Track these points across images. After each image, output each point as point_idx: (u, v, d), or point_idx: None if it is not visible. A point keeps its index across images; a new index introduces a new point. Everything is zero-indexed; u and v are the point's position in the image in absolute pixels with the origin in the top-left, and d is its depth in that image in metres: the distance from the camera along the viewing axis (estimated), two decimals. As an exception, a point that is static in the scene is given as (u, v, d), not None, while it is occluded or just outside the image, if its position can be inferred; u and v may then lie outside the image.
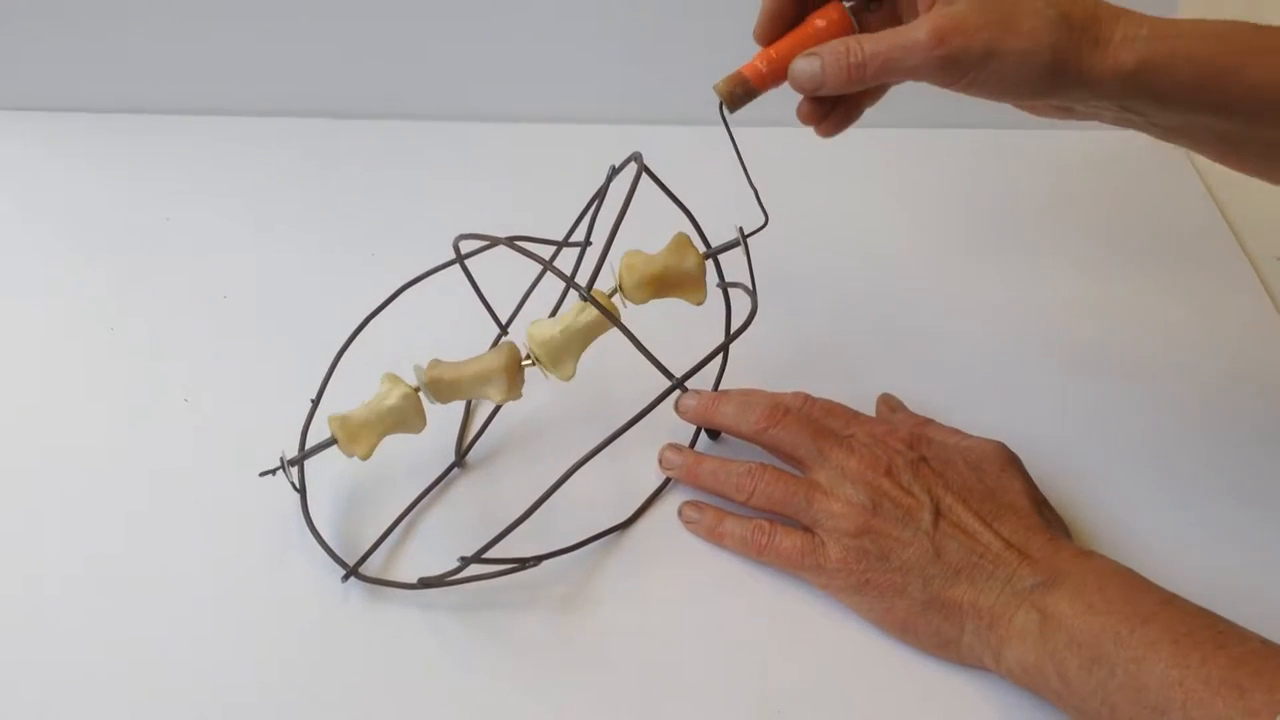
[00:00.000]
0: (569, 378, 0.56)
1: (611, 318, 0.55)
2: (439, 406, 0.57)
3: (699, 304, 0.59)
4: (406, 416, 0.56)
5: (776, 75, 0.57)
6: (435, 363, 0.56)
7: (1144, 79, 0.51)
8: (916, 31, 0.51)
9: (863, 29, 0.57)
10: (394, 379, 0.56)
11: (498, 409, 0.64)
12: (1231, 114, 0.52)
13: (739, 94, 0.57)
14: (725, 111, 0.58)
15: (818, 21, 0.57)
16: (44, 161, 0.82)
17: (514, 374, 0.56)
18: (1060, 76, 0.51)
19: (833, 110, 0.58)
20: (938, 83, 0.53)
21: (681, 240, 0.58)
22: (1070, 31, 0.51)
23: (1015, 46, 0.51)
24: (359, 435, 0.55)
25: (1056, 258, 0.75)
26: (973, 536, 0.52)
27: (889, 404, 0.63)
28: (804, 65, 0.55)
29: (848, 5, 0.58)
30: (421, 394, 0.56)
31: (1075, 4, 0.52)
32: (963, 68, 0.51)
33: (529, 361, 0.56)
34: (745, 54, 0.85)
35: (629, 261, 0.58)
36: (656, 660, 0.53)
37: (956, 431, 0.59)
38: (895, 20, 0.57)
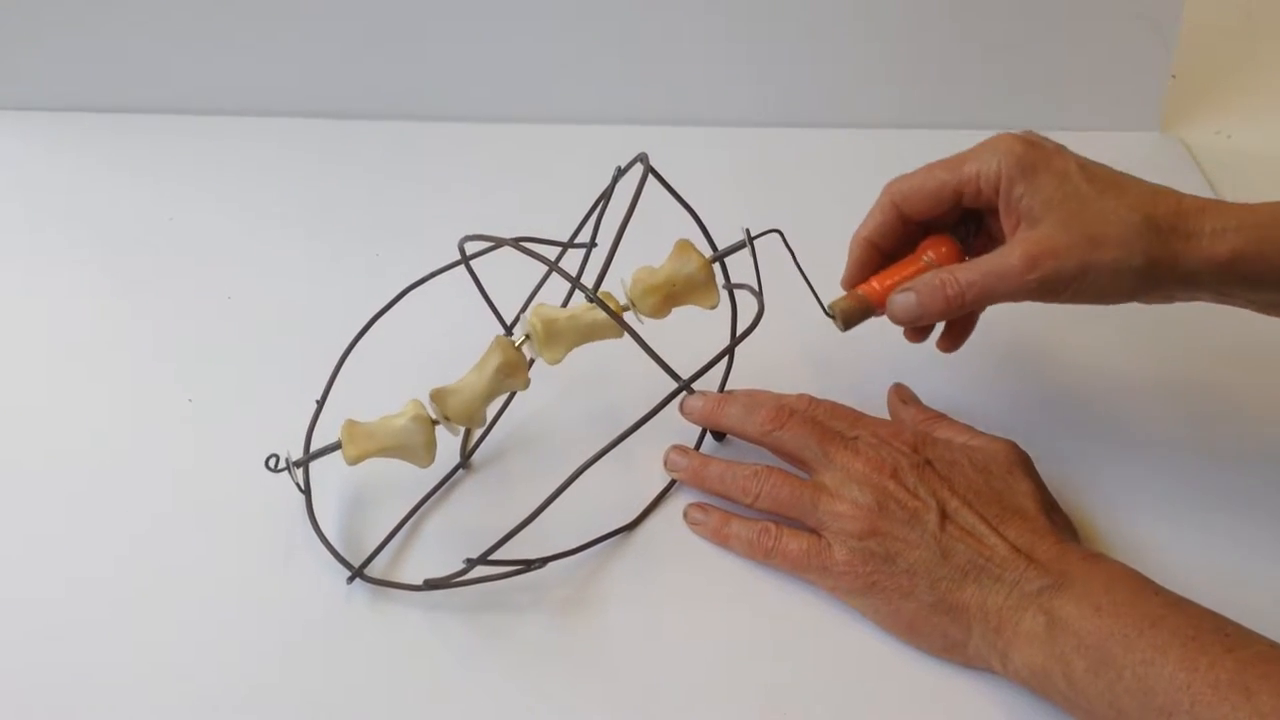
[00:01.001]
0: (555, 362, 0.56)
1: (618, 319, 0.55)
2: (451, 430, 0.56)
3: (712, 307, 0.59)
4: (412, 444, 0.55)
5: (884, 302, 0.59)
6: (439, 392, 0.56)
7: (1239, 269, 0.53)
8: (1009, 259, 0.54)
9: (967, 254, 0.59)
10: (417, 403, 0.56)
11: (502, 410, 0.64)
12: None
13: (856, 314, 0.60)
14: (838, 326, 0.60)
15: (928, 253, 0.59)
16: (47, 161, 0.82)
17: (508, 350, 0.56)
18: (1154, 277, 0.53)
19: (948, 329, 0.62)
20: (1034, 300, 0.55)
21: (682, 245, 0.58)
22: (1158, 234, 0.53)
23: (1107, 259, 0.53)
24: (357, 440, 0.55)
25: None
26: (979, 539, 0.52)
27: (900, 395, 0.63)
28: (900, 300, 0.57)
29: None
30: (443, 426, 0.55)
31: (1157, 204, 0.54)
32: (1058, 287, 0.54)
33: (524, 340, 0.56)
34: (752, 53, 0.85)
35: (635, 276, 0.58)
36: (662, 662, 0.53)
37: (967, 429, 0.59)
38: (991, 240, 0.59)
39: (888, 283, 0.59)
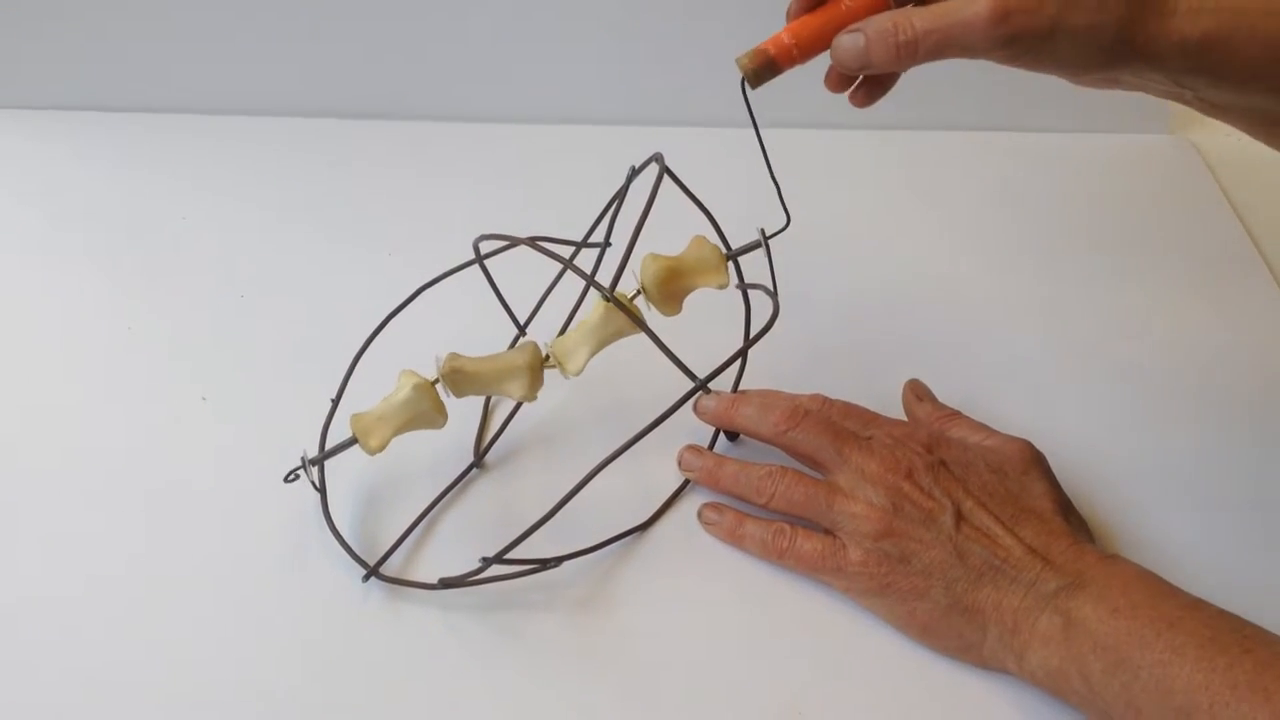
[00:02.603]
0: (577, 372, 0.56)
1: (634, 317, 0.55)
2: (459, 406, 0.56)
3: (721, 287, 0.58)
4: (423, 411, 0.55)
5: (805, 51, 0.54)
6: (455, 355, 0.56)
7: (1207, 54, 0.49)
8: (975, 5, 0.48)
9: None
10: (409, 374, 0.56)
11: (516, 410, 0.64)
12: None
13: (763, 69, 0.54)
14: (746, 88, 0.55)
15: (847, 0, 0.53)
16: (61, 161, 0.82)
17: (536, 372, 0.56)
18: (1122, 51, 0.49)
19: (864, 80, 0.56)
20: (994, 59, 0.50)
21: (698, 238, 0.58)
22: (1136, 2, 0.48)
23: (1081, 22, 0.48)
24: (373, 429, 0.55)
25: (1075, 261, 0.75)
26: (994, 540, 0.52)
27: (916, 391, 0.62)
28: (848, 42, 0.52)
29: None
30: (440, 386, 0.56)
31: None
32: (1023, 46, 0.49)
33: (548, 362, 0.57)
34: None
35: (646, 258, 0.58)
36: (676, 661, 0.53)
37: (983, 428, 0.58)
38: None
39: (801, 32, 0.54)
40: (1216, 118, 0.54)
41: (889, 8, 0.53)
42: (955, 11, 0.49)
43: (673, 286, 0.58)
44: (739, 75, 0.55)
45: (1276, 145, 0.56)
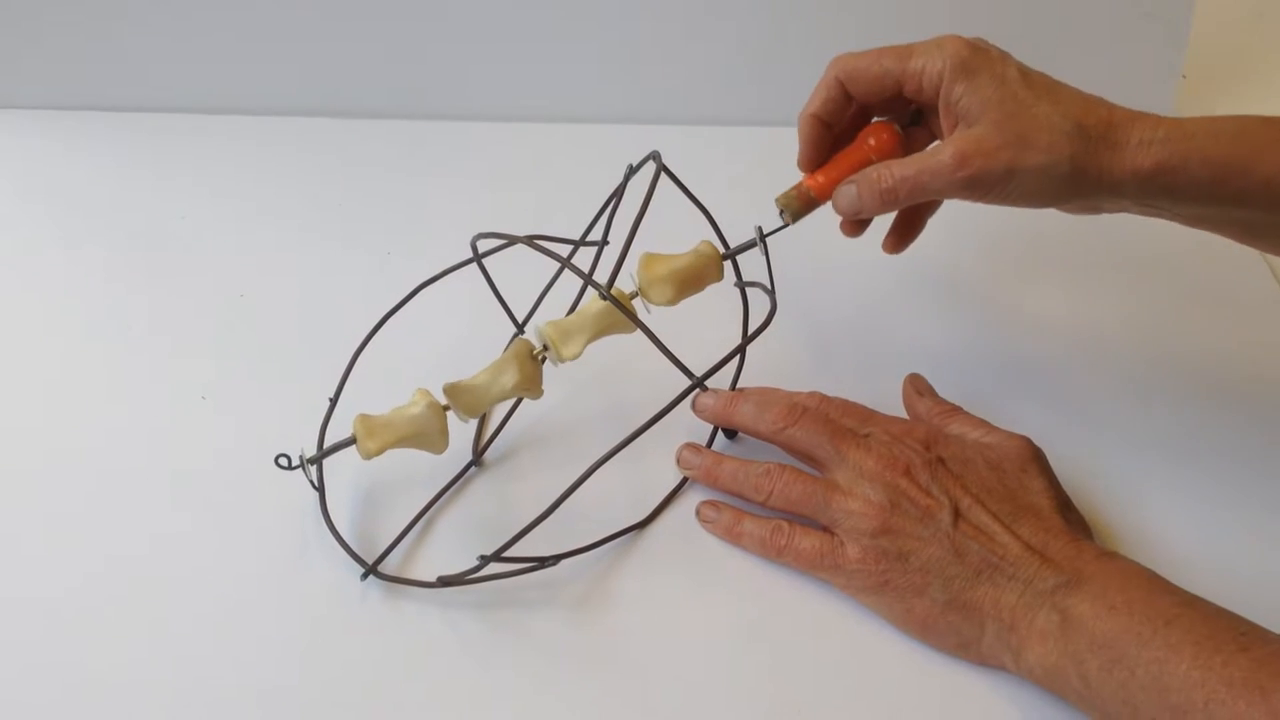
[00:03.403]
0: (574, 356, 0.56)
1: (631, 315, 0.55)
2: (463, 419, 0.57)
3: (718, 279, 0.59)
4: (428, 431, 0.55)
5: (834, 185, 0.59)
6: (453, 386, 0.56)
7: (1161, 180, 0.54)
8: (941, 155, 0.54)
9: (908, 142, 0.60)
10: (425, 392, 0.56)
11: (514, 409, 0.64)
12: (1249, 205, 0.54)
13: (801, 207, 0.60)
14: (785, 219, 0.60)
15: (869, 140, 0.60)
16: (60, 160, 0.82)
17: (525, 363, 0.56)
18: (1080, 184, 0.54)
19: (894, 228, 0.63)
20: (964, 199, 0.56)
21: (701, 245, 0.59)
22: (1086, 141, 0.54)
23: (1035, 163, 0.53)
24: (375, 433, 0.55)
25: (1076, 259, 0.75)
26: (991, 538, 0.52)
27: (916, 386, 0.62)
28: (844, 192, 0.58)
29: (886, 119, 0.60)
30: (452, 412, 0.56)
31: (1089, 112, 0.54)
32: (986, 186, 0.54)
33: (541, 351, 0.56)
34: (763, 52, 0.85)
35: (643, 259, 0.58)
36: (674, 659, 0.53)
37: (981, 423, 0.58)
38: (932, 136, 0.61)
39: (833, 174, 0.60)
40: (1194, 227, 0.58)
41: (902, 144, 0.60)
42: (925, 159, 0.55)
43: (671, 286, 0.58)
44: (775, 210, 0.60)
45: (1253, 245, 0.61)
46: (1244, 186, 0.54)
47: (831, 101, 0.60)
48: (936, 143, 0.58)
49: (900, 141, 0.60)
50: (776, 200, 0.60)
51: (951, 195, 0.56)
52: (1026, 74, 0.56)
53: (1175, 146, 0.53)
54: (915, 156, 0.56)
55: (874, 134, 0.60)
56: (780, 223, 0.60)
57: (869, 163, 0.59)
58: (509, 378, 0.56)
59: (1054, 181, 0.54)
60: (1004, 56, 0.57)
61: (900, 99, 0.59)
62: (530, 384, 0.56)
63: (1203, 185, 0.54)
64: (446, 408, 0.56)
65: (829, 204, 0.60)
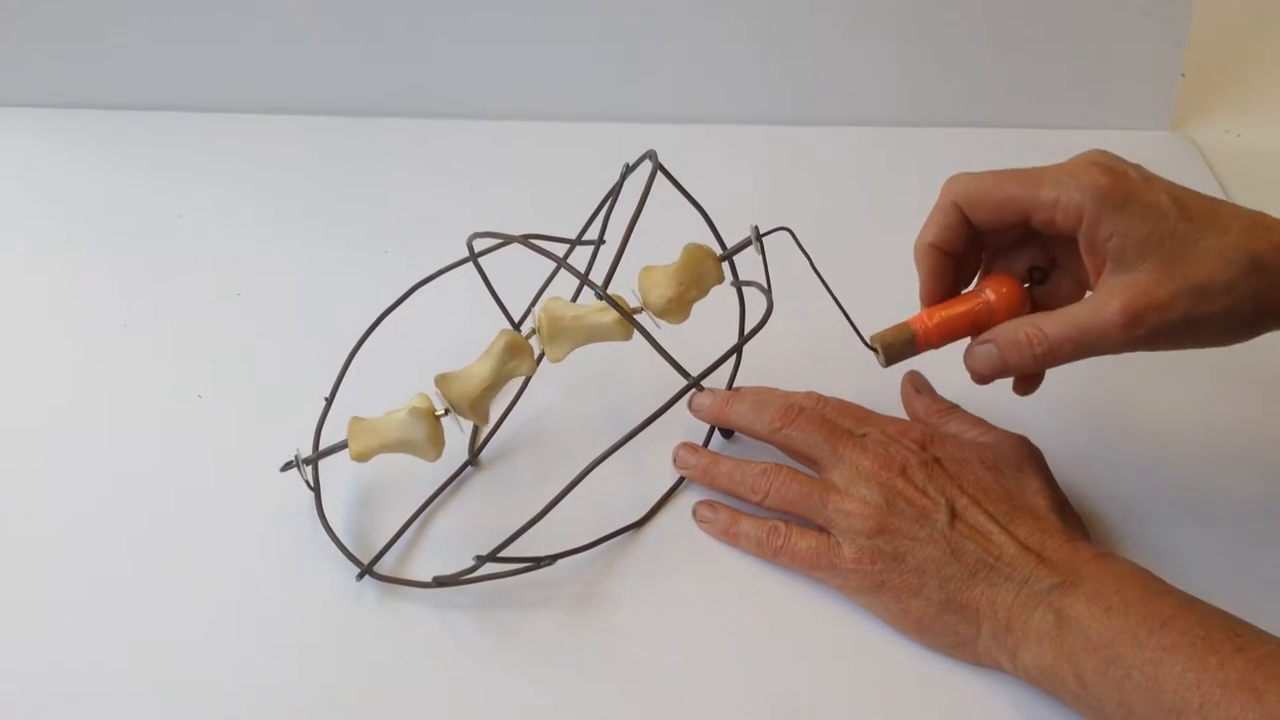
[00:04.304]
0: (557, 360, 0.56)
1: (629, 317, 0.55)
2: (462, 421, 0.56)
3: (719, 281, 0.58)
4: (413, 437, 0.55)
5: (942, 336, 0.56)
6: (443, 377, 0.55)
7: None
8: (1105, 312, 0.49)
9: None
10: (422, 398, 0.55)
11: (510, 408, 0.64)
12: None
13: (900, 350, 0.56)
14: (880, 361, 0.56)
15: (988, 294, 0.55)
16: (57, 158, 0.82)
17: (515, 338, 0.56)
18: (1263, 321, 0.50)
19: (1025, 378, 0.57)
20: (1129, 351, 0.51)
21: (691, 250, 0.58)
22: (1265, 275, 0.49)
23: (1216, 309, 0.49)
24: (361, 437, 0.55)
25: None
26: (987, 538, 0.52)
27: (915, 384, 0.62)
28: (982, 353, 0.53)
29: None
30: (449, 419, 0.55)
31: (1259, 238, 0.49)
32: (1160, 342, 0.50)
33: (532, 333, 0.56)
34: (760, 51, 0.85)
35: (644, 277, 0.57)
36: (671, 659, 0.53)
37: (979, 422, 0.58)
38: (1061, 273, 0.56)
39: (939, 318, 0.56)
40: None
41: (1027, 303, 0.55)
42: (1086, 319, 0.50)
43: (676, 307, 0.58)
44: (874, 352, 0.56)
45: None
46: None
47: (949, 229, 0.54)
48: (1090, 295, 0.51)
49: (1024, 298, 0.55)
50: (873, 338, 0.56)
51: (1119, 352, 0.50)
52: (1179, 200, 0.50)
53: None
54: (1069, 312, 0.51)
55: (993, 286, 0.55)
56: (754, 243, 0.57)
57: (985, 317, 0.55)
58: (497, 345, 0.55)
59: (1235, 324, 0.50)
60: (1148, 179, 0.51)
61: (1019, 226, 0.54)
62: (519, 352, 0.55)
63: None
64: (444, 413, 0.55)
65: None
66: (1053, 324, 0.51)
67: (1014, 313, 0.55)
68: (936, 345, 0.56)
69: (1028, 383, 0.57)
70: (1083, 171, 0.51)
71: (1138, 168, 0.52)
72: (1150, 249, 0.49)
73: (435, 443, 0.55)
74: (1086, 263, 0.51)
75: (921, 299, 0.57)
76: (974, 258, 0.57)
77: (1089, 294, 0.52)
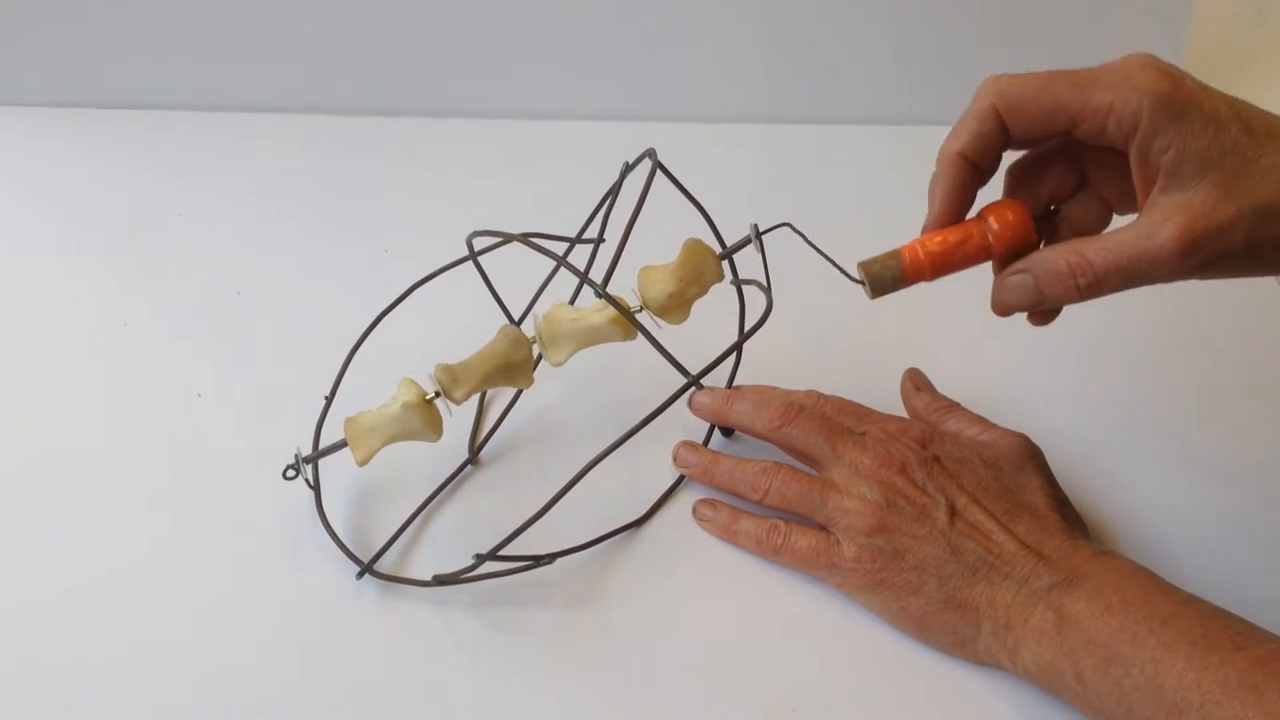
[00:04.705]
0: (558, 364, 0.56)
1: (629, 316, 0.55)
2: (453, 406, 0.56)
3: (719, 279, 0.58)
4: (413, 427, 0.55)
5: (935, 270, 0.51)
6: (446, 367, 0.56)
7: None
8: (1159, 237, 0.44)
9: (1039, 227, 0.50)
10: (407, 385, 0.55)
11: (510, 406, 0.64)
12: None
13: (888, 279, 0.51)
14: (867, 293, 0.51)
15: (991, 223, 0.50)
16: (56, 157, 0.82)
17: (527, 358, 0.56)
18: None
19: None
20: (1183, 279, 0.46)
21: (690, 246, 0.58)
22: None
23: (1278, 233, 0.44)
24: (361, 440, 0.55)
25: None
26: (987, 537, 0.52)
27: (915, 381, 0.62)
28: (1016, 284, 0.49)
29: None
30: (440, 402, 0.55)
31: None
32: (1220, 268, 0.45)
33: (534, 339, 0.56)
34: (760, 49, 0.85)
35: (643, 276, 0.57)
36: (670, 658, 0.53)
37: (979, 420, 0.58)
38: (1090, 195, 0.51)
39: (933, 247, 0.50)
40: None
41: (1034, 232, 0.50)
42: (1136, 245, 0.45)
43: (676, 304, 0.58)
44: (860, 281, 0.52)
45: None
46: None
47: (983, 139, 0.49)
48: (1139, 217, 0.46)
49: (1031, 231, 0.50)
50: (860, 265, 0.52)
51: (1171, 281, 0.46)
52: (1240, 111, 0.46)
53: None
54: (1116, 238, 0.46)
55: (996, 214, 0.49)
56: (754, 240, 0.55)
57: (984, 249, 0.50)
58: (499, 347, 0.55)
59: None
60: (1204, 88, 0.46)
61: (1057, 139, 0.49)
62: (519, 371, 0.56)
63: None
64: (435, 395, 0.55)
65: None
66: (1098, 252, 0.46)
67: (1018, 245, 0.50)
68: (929, 278, 0.51)
69: (1048, 314, 0.52)
70: (1139, 73, 0.46)
71: (1194, 78, 0.47)
72: (1209, 165, 0.44)
73: (435, 425, 0.55)
74: (1136, 179, 0.47)
75: (930, 218, 0.51)
76: (989, 177, 0.51)
77: (1137, 216, 0.47)
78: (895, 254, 0.51)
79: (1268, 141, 0.45)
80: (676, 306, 0.57)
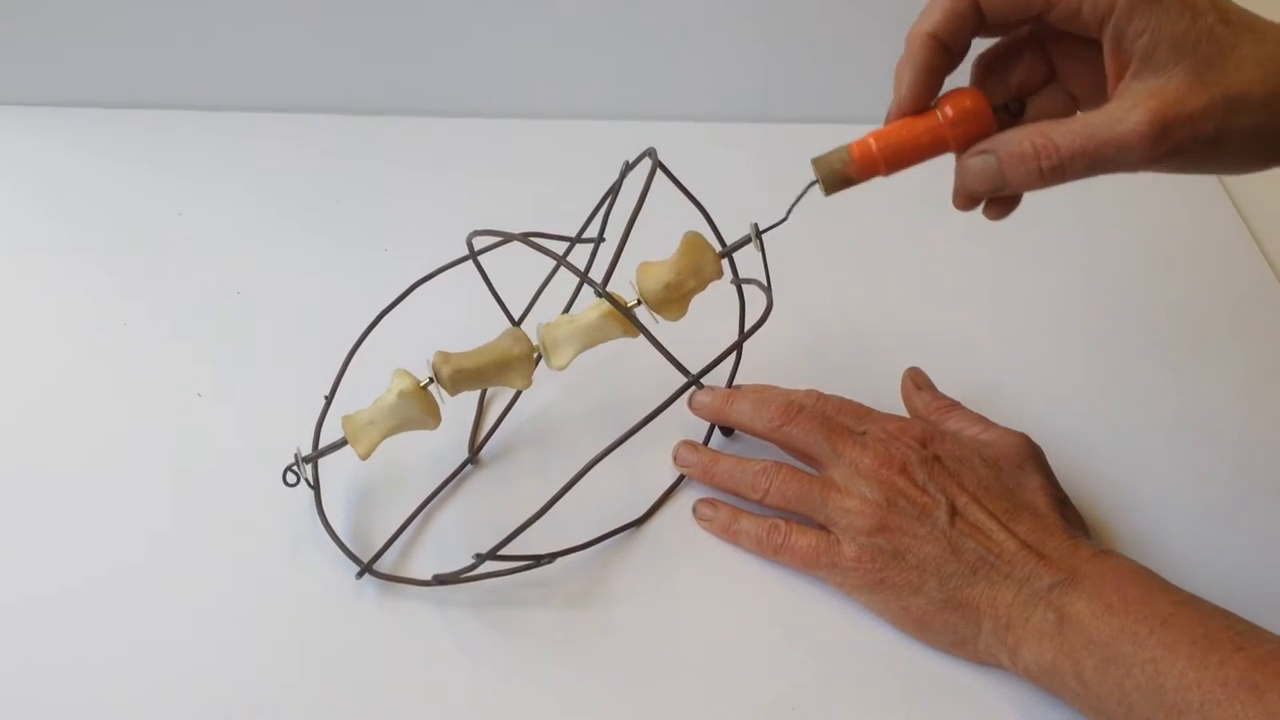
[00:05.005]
0: (560, 367, 0.56)
1: (628, 314, 0.55)
2: (453, 402, 0.56)
3: (718, 277, 0.57)
4: (412, 415, 0.55)
5: (890, 162, 0.48)
6: (446, 355, 0.56)
7: None
8: (1129, 120, 0.43)
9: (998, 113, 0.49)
10: (401, 375, 0.56)
11: (510, 406, 0.64)
12: None
13: (838, 171, 0.49)
14: (820, 191, 0.50)
15: (946, 110, 0.48)
16: (57, 157, 0.82)
17: (529, 359, 0.56)
18: None
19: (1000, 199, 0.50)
20: (1152, 170, 0.45)
21: (688, 236, 0.58)
22: None
23: (1246, 125, 0.43)
24: (361, 434, 0.55)
25: (1077, 254, 0.75)
26: (988, 536, 0.52)
27: (915, 380, 0.62)
28: (978, 165, 0.47)
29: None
30: (433, 388, 0.55)
31: None
32: (1188, 158, 0.44)
33: (536, 348, 0.56)
34: (760, 49, 0.85)
35: (641, 271, 0.57)
36: (670, 657, 0.53)
37: (980, 420, 0.58)
38: (1055, 84, 0.50)
39: (884, 138, 0.48)
40: None
41: (992, 120, 0.48)
42: (1104, 129, 0.44)
43: (674, 298, 0.58)
44: (814, 181, 0.50)
45: None
46: None
47: (957, 17, 0.47)
48: (1110, 103, 0.45)
49: (990, 119, 0.47)
50: (813, 162, 0.50)
51: (1137, 170, 0.45)
52: (1217, 2, 0.45)
53: None
54: (1084, 120, 0.44)
55: (953, 102, 0.47)
56: (781, 214, 0.54)
57: (940, 140, 0.48)
58: (515, 378, 0.56)
59: (1262, 147, 0.44)
60: None
61: (1028, 24, 0.48)
62: (529, 380, 0.56)
63: None
64: (428, 383, 0.55)
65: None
66: (1064, 134, 0.44)
67: (975, 134, 0.48)
68: (884, 171, 0.49)
69: (1004, 204, 0.50)
70: None
71: None
72: (1184, 51, 0.43)
73: (432, 413, 0.55)
74: (1108, 65, 0.45)
75: (896, 104, 0.49)
76: (958, 61, 0.49)
77: (1108, 103, 0.45)
78: (844, 147, 0.49)
79: (1244, 33, 0.44)
80: (674, 300, 0.57)
